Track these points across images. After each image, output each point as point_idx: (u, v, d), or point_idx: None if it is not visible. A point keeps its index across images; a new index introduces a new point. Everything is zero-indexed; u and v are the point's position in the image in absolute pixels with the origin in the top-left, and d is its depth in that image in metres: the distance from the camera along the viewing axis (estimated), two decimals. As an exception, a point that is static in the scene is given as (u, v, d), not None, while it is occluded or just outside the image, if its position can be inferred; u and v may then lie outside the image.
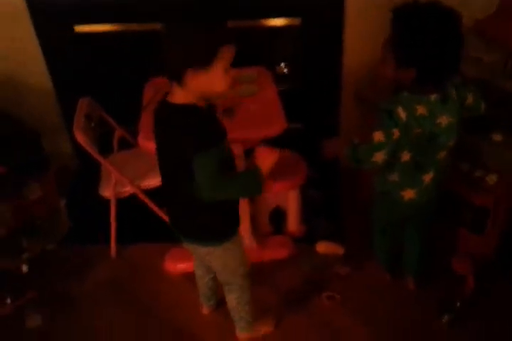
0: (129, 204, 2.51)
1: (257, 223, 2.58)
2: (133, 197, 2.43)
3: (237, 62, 2.52)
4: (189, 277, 2.30)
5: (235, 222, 1.78)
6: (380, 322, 2.19)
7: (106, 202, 2.43)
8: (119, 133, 2.60)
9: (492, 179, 2.10)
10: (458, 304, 2.17)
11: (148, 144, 2.14)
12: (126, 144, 2.69)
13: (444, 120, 1.77)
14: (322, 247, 2.55)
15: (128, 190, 2.40)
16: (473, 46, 2.32)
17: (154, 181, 2.40)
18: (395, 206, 2.02)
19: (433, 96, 1.74)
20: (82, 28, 2.70)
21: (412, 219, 2.17)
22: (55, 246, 2.56)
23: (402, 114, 1.71)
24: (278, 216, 2.63)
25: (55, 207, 2.52)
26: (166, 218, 2.42)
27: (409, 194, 1.93)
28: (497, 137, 2.09)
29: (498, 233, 2.22)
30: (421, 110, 1.73)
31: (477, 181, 2.14)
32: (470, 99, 1.86)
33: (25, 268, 2.38)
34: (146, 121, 2.24)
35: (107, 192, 2.39)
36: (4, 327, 2.24)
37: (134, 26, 2.71)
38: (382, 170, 1.92)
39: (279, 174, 2.43)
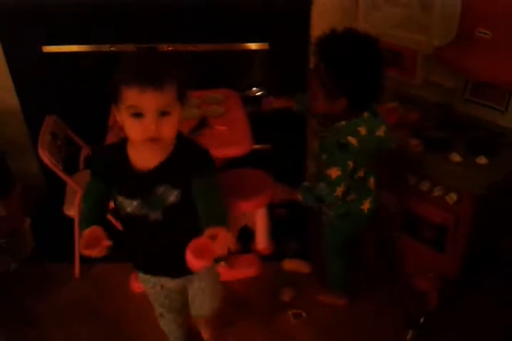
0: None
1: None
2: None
3: (208, 84, 2.62)
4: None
5: (135, 256, 1.67)
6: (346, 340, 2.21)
7: (71, 221, 2.41)
8: (85, 151, 2.60)
9: (452, 198, 2.16)
10: (421, 320, 2.21)
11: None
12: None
13: (381, 131, 1.86)
14: (289, 265, 2.57)
15: (93, 209, 2.38)
16: (434, 72, 2.42)
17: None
18: (358, 222, 2.07)
19: (365, 114, 1.82)
20: (50, 49, 2.72)
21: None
22: (18, 265, 2.52)
23: (353, 141, 1.77)
24: (246, 234, 2.66)
25: (20, 226, 2.49)
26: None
27: (367, 205, 2.00)
28: (455, 158, 2.16)
29: (460, 250, 2.28)
30: (363, 131, 1.80)
31: (437, 200, 2.21)
32: None
33: (-13, 288, 2.33)
34: (112, 140, 2.25)
35: (71, 210, 2.38)
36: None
37: (103, 47, 2.74)
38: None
39: (246, 193, 2.47)
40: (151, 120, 1.26)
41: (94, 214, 1.42)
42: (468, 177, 2.10)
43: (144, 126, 1.26)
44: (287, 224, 2.82)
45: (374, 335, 2.23)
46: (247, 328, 2.25)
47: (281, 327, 2.26)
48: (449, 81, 2.35)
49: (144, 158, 1.40)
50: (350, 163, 1.79)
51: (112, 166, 1.42)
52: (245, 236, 2.65)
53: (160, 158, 1.39)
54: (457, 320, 2.26)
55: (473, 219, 2.17)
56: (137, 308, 2.35)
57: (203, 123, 2.25)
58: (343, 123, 1.80)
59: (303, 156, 3.03)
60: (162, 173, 1.39)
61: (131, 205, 1.44)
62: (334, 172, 1.78)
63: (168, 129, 1.30)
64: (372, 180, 1.99)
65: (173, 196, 1.40)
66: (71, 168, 2.46)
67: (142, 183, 1.40)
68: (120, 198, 1.45)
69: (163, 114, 1.27)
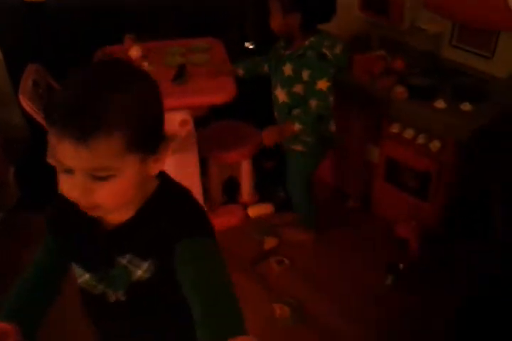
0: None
1: (211, 193, 2.61)
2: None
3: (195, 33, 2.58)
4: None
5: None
6: (327, 285, 2.24)
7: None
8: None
9: (435, 145, 2.16)
10: (401, 266, 2.24)
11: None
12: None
13: (338, 49, 1.94)
14: (253, 211, 2.62)
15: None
16: (421, 18, 2.38)
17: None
18: (330, 145, 2.17)
19: (323, 33, 1.93)
20: (31, -4, 2.67)
21: None
22: (3, 214, 2.53)
23: (328, 53, 1.88)
24: (232, 185, 2.67)
25: (4, 175, 2.49)
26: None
27: (333, 126, 2.11)
28: (440, 104, 2.14)
29: (443, 198, 2.29)
30: (326, 42, 1.91)
31: (420, 148, 2.20)
32: None
33: (-28, 237, 2.35)
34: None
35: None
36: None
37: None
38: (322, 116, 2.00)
39: (232, 144, 2.47)
40: (77, 182, 0.81)
41: (26, 302, 1.00)
42: (451, 123, 2.09)
43: (70, 188, 0.83)
44: (274, 176, 2.82)
45: (355, 280, 2.26)
46: (232, 275, 2.28)
47: (265, 274, 2.29)
48: (435, 26, 2.30)
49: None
50: (332, 73, 1.88)
51: (76, 217, 0.96)
52: (231, 187, 2.66)
53: (132, 211, 0.93)
54: (436, 268, 2.29)
55: (456, 166, 2.18)
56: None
57: (181, 70, 2.22)
58: (312, 39, 1.90)
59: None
60: (128, 235, 0.94)
61: (82, 277, 1.01)
62: (324, 84, 1.87)
63: (106, 197, 0.83)
64: (332, 100, 2.06)
65: (141, 270, 0.93)
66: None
67: (100, 248, 0.96)
68: (73, 264, 1.02)
69: (98, 178, 0.81)
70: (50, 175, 2.50)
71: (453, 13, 2.18)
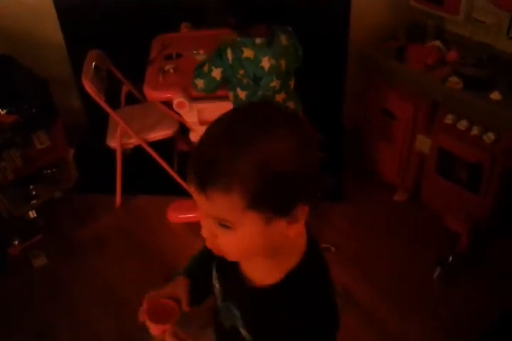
0: (135, 156, 2.59)
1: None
2: (140, 150, 2.50)
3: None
4: (190, 227, 2.41)
5: None
6: (374, 274, 2.26)
7: (113, 153, 2.50)
8: (126, 87, 2.66)
9: (489, 137, 2.14)
10: (450, 259, 2.24)
11: (152, 93, 2.22)
12: (134, 101, 2.74)
13: (266, 63, 1.98)
14: None
15: (133, 141, 2.46)
16: (477, 9, 2.35)
17: (160, 134, 2.46)
18: None
19: (259, 40, 1.97)
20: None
21: None
22: (62, 194, 2.64)
23: (229, 55, 1.96)
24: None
25: (64, 156, 2.58)
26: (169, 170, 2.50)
27: None
28: (495, 96, 2.12)
29: (494, 192, 2.27)
30: (247, 53, 1.96)
31: (474, 139, 2.19)
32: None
33: (32, 214, 2.46)
34: (152, 73, 2.31)
35: (113, 142, 2.46)
36: (14, 265, 2.36)
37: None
38: None
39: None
40: (205, 225, 0.86)
41: (197, 275, 1.15)
42: (507, 115, 2.07)
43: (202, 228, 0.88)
44: (324, 167, 2.83)
45: (404, 270, 2.28)
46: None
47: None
48: (492, 17, 2.27)
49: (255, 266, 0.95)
50: (217, 71, 2.01)
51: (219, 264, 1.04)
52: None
53: (275, 277, 0.92)
54: (484, 262, 2.29)
55: (509, 159, 2.15)
56: (173, 237, 2.45)
57: None
58: (237, 38, 2.00)
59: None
60: (267, 301, 0.93)
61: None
62: (206, 67, 2.05)
63: (226, 246, 0.86)
64: (290, 104, 2.18)
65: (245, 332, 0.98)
66: (113, 105, 2.50)
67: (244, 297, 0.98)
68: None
69: (221, 225, 0.83)
70: (107, 157, 2.61)
71: (510, 4, 2.14)
